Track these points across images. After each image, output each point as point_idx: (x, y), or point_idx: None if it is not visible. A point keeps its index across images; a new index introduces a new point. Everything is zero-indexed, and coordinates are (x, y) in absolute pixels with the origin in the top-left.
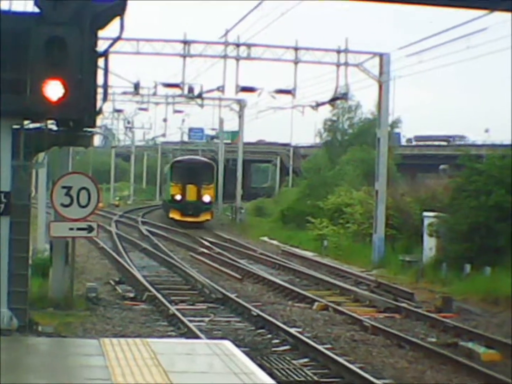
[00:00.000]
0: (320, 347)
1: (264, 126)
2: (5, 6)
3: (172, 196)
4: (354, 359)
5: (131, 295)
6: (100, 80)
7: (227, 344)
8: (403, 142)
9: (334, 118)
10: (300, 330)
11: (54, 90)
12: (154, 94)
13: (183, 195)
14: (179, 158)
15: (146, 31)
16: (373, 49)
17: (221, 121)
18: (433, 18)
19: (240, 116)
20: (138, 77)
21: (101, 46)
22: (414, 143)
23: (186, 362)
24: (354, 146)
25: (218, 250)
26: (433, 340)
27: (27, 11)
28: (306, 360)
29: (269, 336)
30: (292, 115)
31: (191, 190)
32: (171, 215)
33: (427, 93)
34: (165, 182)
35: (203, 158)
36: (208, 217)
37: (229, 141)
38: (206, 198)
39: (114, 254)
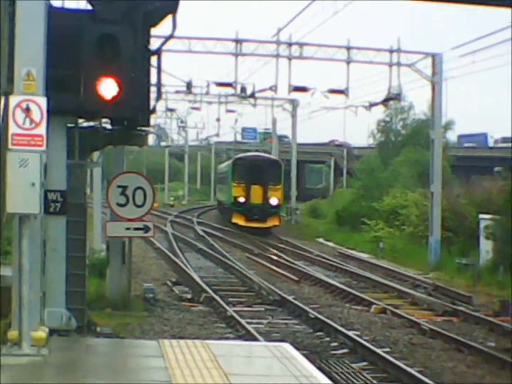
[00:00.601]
0: (378, 351)
1: (317, 126)
2: (57, 2)
3: (235, 198)
4: (413, 362)
5: (189, 296)
6: (153, 78)
7: (287, 346)
8: (491, 143)
9: (387, 118)
10: (358, 333)
11: (108, 88)
12: (207, 93)
13: (247, 197)
14: (242, 155)
15: (198, 30)
16: (425, 49)
17: (274, 121)
18: (487, 17)
19: (293, 116)
20: (190, 76)
21: (154, 44)
22: (500, 144)
23: (246, 365)
24: (408, 147)
25: (274, 251)
26: (492, 344)
27: (80, 8)
28: (364, 363)
29: (327, 339)
30: (345, 115)
31: (256, 192)
32: (234, 220)
33: (480, 93)
34: (224, 182)
35: (269, 155)
36: (276, 222)
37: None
38: (274, 201)
39: (170, 254)
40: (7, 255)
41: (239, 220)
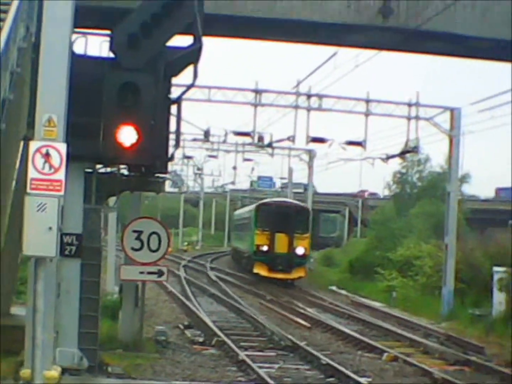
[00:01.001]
0: None
1: (333, 177)
2: (80, 49)
3: (258, 246)
4: None
5: (200, 339)
6: (172, 126)
7: None
8: None
9: (403, 170)
10: (370, 380)
11: (127, 135)
12: (224, 142)
13: (271, 245)
14: (267, 200)
15: (218, 79)
16: (444, 103)
17: (290, 171)
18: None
19: (310, 166)
20: (208, 124)
21: (173, 92)
22: None
23: None
24: (423, 199)
25: (287, 298)
26: None
27: (102, 56)
28: None
29: None
30: (361, 167)
31: (281, 240)
32: (255, 270)
33: (498, 148)
34: (244, 229)
35: (296, 202)
36: (301, 273)
37: (299, 190)
38: (300, 250)
39: (182, 298)
40: (20, 294)
41: (261, 270)
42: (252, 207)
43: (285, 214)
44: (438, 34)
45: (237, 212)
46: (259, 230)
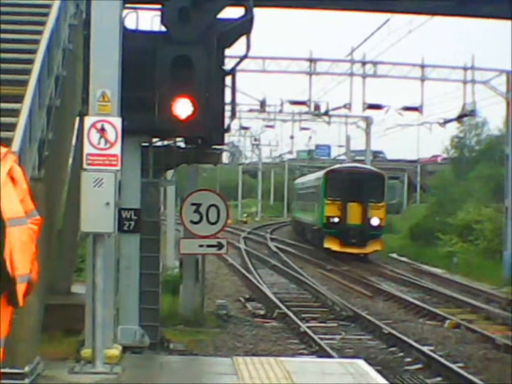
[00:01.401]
0: (453, 366)
1: (390, 143)
2: (132, 24)
3: (328, 218)
4: (488, 378)
5: (262, 312)
6: (227, 98)
7: (361, 363)
8: None
9: (461, 135)
10: (432, 348)
11: (182, 108)
12: (280, 111)
13: (343, 217)
14: (337, 166)
15: (272, 49)
16: (500, 66)
17: (348, 139)
18: None
19: (367, 133)
20: (264, 94)
21: (228, 64)
22: None
23: (320, 381)
24: (482, 162)
25: (347, 267)
26: None
27: (154, 29)
28: (439, 379)
29: (401, 354)
30: (418, 132)
31: (354, 210)
32: (326, 245)
33: None
34: (309, 198)
35: (369, 167)
36: (377, 247)
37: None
38: (375, 221)
39: (243, 270)
40: (80, 272)
41: (332, 245)
42: (319, 174)
43: (358, 181)
44: None
45: (300, 180)
46: (329, 199)
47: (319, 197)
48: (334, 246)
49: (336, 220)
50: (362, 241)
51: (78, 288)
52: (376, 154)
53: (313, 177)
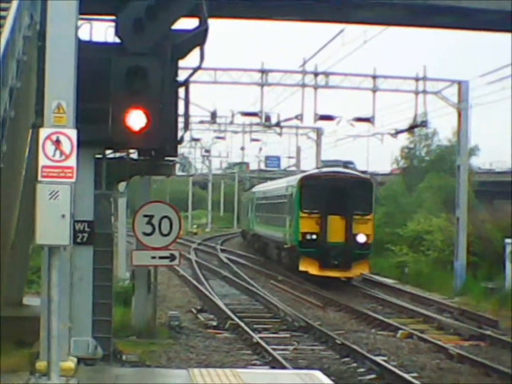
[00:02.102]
0: (406, 376)
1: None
2: (85, 36)
3: (303, 235)
4: None
5: (214, 323)
6: (180, 109)
7: (318, 374)
8: None
9: (411, 145)
10: (385, 358)
11: (136, 119)
12: (231, 122)
13: (323, 233)
14: (314, 171)
15: (224, 60)
16: (452, 76)
17: (298, 150)
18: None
19: (318, 144)
20: (215, 106)
21: (180, 75)
22: None
23: None
24: (432, 173)
25: (298, 278)
26: None
27: (108, 41)
28: None
29: (355, 364)
30: (368, 143)
31: (336, 225)
32: (302, 267)
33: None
34: (279, 211)
35: (353, 172)
36: (364, 269)
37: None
38: (361, 238)
39: (194, 281)
40: (31, 284)
41: (310, 268)
42: (291, 180)
43: (340, 189)
44: (444, 8)
45: (260, 188)
46: (305, 212)
47: (291, 209)
48: (312, 269)
49: (313, 237)
50: (345, 262)
51: (30, 300)
52: (346, 164)
53: (281, 184)
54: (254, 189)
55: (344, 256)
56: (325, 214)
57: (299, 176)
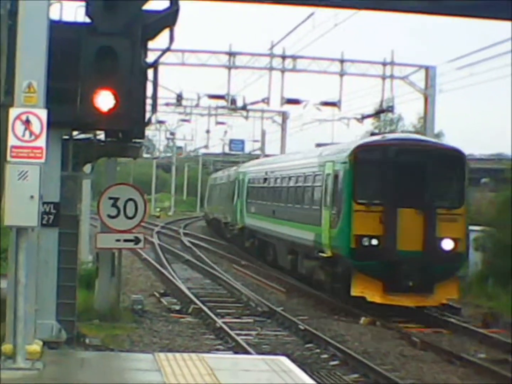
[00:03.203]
0: (370, 363)
1: (307, 138)
2: (55, 15)
3: (358, 239)
4: (405, 375)
5: (177, 307)
6: (148, 91)
7: (284, 360)
8: None
9: (376, 130)
10: (348, 345)
11: (104, 100)
12: (197, 105)
13: (389, 237)
14: (372, 139)
15: (192, 42)
16: (419, 62)
17: (263, 133)
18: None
19: (283, 129)
20: (181, 88)
21: (148, 57)
22: None
23: (244, 379)
24: None
25: (262, 263)
26: (483, 356)
27: (78, 21)
28: (356, 375)
29: (318, 350)
30: (333, 127)
31: (410, 225)
32: (356, 290)
33: (473, 107)
34: (314, 199)
35: (435, 141)
36: (452, 293)
37: None
38: (448, 244)
39: (157, 265)
40: None
41: (367, 291)
42: (332, 153)
43: (418, 168)
44: None
45: (257, 166)
46: (361, 203)
47: (333, 198)
48: (372, 294)
49: (374, 243)
50: (424, 282)
51: None
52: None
53: (307, 159)
54: (242, 168)
55: (422, 274)
56: (393, 207)
57: (347, 146)
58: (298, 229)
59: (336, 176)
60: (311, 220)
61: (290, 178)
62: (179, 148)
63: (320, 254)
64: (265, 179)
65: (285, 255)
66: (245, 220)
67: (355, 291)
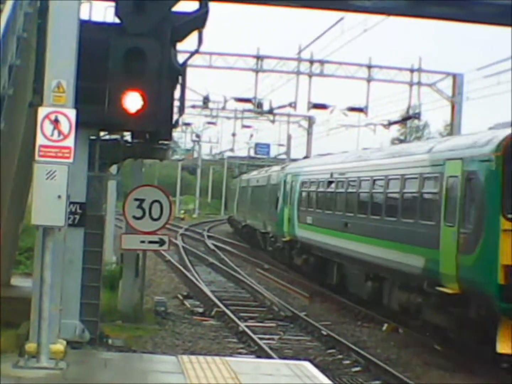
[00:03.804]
0: (392, 370)
1: (334, 143)
2: (85, 15)
3: (507, 270)
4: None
5: (200, 310)
6: (176, 93)
7: (307, 365)
8: None
9: (402, 137)
10: (370, 351)
11: (132, 101)
12: (223, 108)
13: None
14: None
15: (220, 45)
16: (447, 69)
17: (289, 137)
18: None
19: (309, 133)
20: (208, 90)
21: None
22: None
23: (267, 383)
24: None
25: (285, 266)
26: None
27: (108, 21)
28: (378, 382)
29: (340, 356)
30: (358, 133)
31: None
32: (504, 347)
33: (499, 116)
34: (428, 214)
35: None
36: None
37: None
38: None
39: (181, 267)
40: (19, 265)
41: None
42: (440, 146)
43: None
44: None
45: (319, 164)
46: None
47: (462, 211)
48: None
49: None
50: None
51: (17, 281)
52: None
53: (403, 155)
54: (290, 169)
55: None
56: None
57: (486, 136)
58: (390, 249)
59: (469, 180)
60: (417, 240)
61: (374, 181)
62: (188, 150)
63: (439, 288)
64: (330, 182)
65: (361, 280)
66: (296, 231)
67: (503, 347)
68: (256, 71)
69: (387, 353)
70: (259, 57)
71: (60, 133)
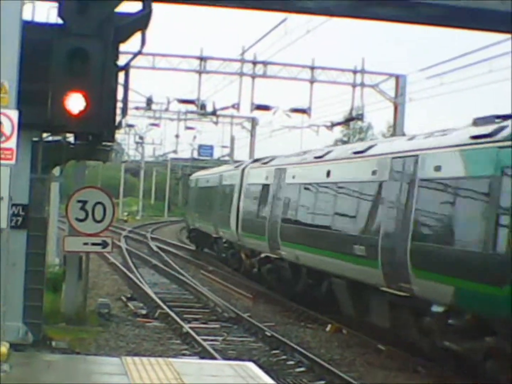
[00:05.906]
0: (336, 370)
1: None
2: (27, 16)
3: None
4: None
5: (143, 312)
6: (119, 94)
7: (251, 366)
8: None
9: (345, 138)
10: (314, 352)
11: (75, 103)
12: (167, 110)
13: None
14: None
15: (162, 46)
16: (389, 70)
17: (232, 139)
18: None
19: (252, 134)
20: (151, 92)
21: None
22: None
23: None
24: None
25: (229, 269)
26: None
27: (50, 22)
28: (322, 382)
29: (284, 357)
30: (301, 134)
31: None
32: None
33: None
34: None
35: None
36: None
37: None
38: None
39: (124, 269)
40: None
41: None
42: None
43: None
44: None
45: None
46: None
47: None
48: None
49: None
50: None
51: None
52: None
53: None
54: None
55: None
56: None
57: None
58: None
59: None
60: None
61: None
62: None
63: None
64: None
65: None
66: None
67: None
68: (199, 72)
69: (331, 353)
70: (202, 58)
71: (2, 134)
